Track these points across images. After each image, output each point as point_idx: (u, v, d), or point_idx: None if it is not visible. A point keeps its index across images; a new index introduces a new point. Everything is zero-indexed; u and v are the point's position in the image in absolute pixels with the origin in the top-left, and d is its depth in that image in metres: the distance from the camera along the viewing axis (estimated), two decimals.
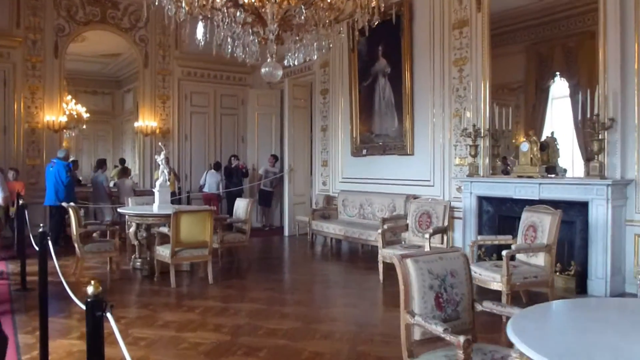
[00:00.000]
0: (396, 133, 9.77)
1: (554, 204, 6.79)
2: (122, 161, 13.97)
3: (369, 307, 6.20)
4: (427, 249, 6.68)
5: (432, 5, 8.90)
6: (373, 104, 10.25)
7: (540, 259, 5.64)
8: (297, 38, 5.05)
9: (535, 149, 7.19)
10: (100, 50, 14.41)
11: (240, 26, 4.62)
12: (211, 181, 12.05)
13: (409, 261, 3.22)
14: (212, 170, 12.22)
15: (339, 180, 11.25)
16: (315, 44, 5.31)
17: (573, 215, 6.74)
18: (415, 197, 9.13)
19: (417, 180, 9.31)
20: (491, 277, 5.53)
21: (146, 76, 12.38)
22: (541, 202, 6.98)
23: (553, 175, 7.22)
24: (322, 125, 11.81)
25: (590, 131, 6.58)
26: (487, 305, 3.35)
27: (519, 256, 6.02)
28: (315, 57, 5.43)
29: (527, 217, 6.03)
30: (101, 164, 11.88)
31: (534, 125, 7.82)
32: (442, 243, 7.20)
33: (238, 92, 13.55)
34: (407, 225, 7.64)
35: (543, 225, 5.73)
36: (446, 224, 7.23)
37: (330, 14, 5.03)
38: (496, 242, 6.49)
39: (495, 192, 7.67)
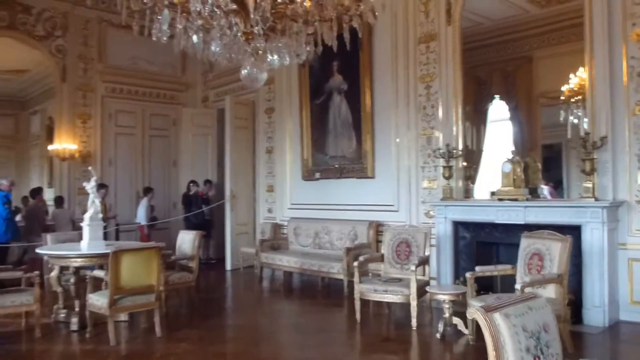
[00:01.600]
0: (354, 154, 9.02)
1: (541, 228, 6.29)
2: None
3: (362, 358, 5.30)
4: (412, 283, 5.91)
5: (395, 18, 8.30)
6: (327, 123, 9.47)
7: (550, 291, 5.00)
8: (282, 35, 4.11)
9: (518, 169, 6.68)
10: (3, 65, 12.61)
11: (217, 14, 3.64)
12: (140, 210, 10.64)
13: (498, 316, 2.36)
14: (143, 197, 10.83)
15: (288, 206, 10.30)
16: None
17: None
18: (379, 224, 8.41)
19: (380, 205, 8.57)
20: None
21: (64, 92, 10.82)
22: (526, 226, 6.46)
23: (541, 197, 6.74)
24: (267, 147, 10.85)
25: (581, 150, 6.13)
26: None
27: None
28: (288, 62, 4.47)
29: (529, 244, 5.41)
30: (35, 193, 10.24)
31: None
32: (423, 274, 6.45)
33: (170, 112, 12.26)
34: (381, 255, 6.82)
35: (551, 253, 5.12)
36: (427, 253, 6.50)
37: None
38: (489, 274, 5.80)
39: (473, 216, 7.07)
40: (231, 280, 9.63)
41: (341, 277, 7.93)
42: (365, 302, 6.36)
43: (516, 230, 6.67)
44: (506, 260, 7.22)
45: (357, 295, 6.26)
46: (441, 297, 5.67)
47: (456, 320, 5.67)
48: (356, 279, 6.26)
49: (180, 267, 7.24)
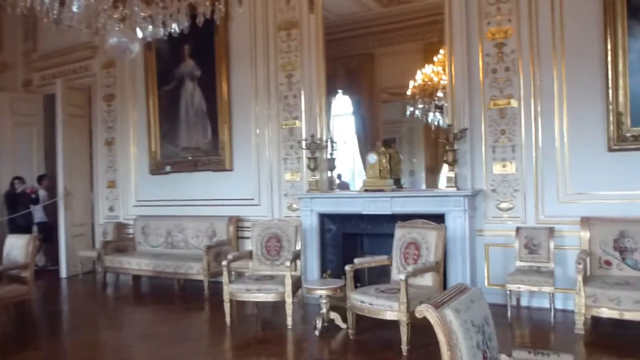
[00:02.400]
0: (210, 146, 8.43)
1: (407, 218, 6.41)
2: None
3: None
4: (288, 279, 5.61)
5: (254, 2, 7.90)
6: (178, 112, 8.73)
7: (427, 279, 5.05)
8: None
9: (384, 160, 6.72)
10: None
11: None
12: None
13: (449, 313, 2.16)
14: None
15: (133, 204, 9.34)
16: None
17: None
18: (240, 219, 7.98)
19: (239, 199, 8.14)
20: (387, 306, 4.72)
21: None
22: (393, 216, 6.55)
23: (405, 188, 6.87)
24: (106, 139, 9.72)
25: (443, 141, 6.34)
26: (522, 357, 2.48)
27: (396, 277, 5.38)
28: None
29: (404, 233, 5.43)
30: None
31: None
32: (295, 270, 6.18)
33: None
34: (250, 252, 6.40)
35: (428, 242, 5.18)
36: (299, 247, 6.24)
37: None
38: (367, 265, 5.73)
39: (340, 208, 6.97)
40: (70, 289, 8.42)
41: (201, 277, 7.35)
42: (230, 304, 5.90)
43: (382, 220, 6.77)
44: (370, 251, 7.32)
45: (226, 297, 5.76)
46: (319, 292, 5.44)
47: (333, 315, 5.50)
48: (225, 279, 5.76)
49: (10, 279, 6.05)
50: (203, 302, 7.03)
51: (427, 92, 7.09)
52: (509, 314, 5.66)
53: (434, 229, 5.19)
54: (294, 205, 7.62)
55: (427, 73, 7.04)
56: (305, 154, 7.43)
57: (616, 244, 5.52)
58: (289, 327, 5.58)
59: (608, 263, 5.53)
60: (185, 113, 8.67)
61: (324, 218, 7.12)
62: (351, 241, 7.25)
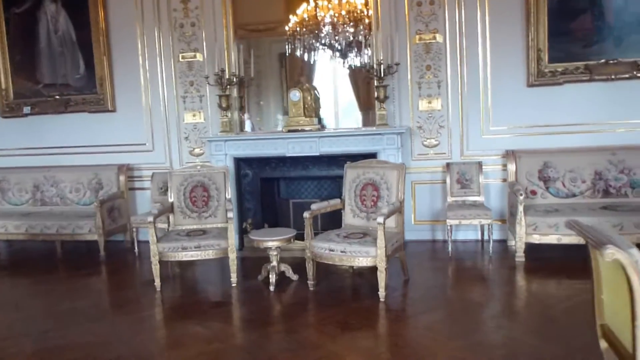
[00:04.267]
0: (83, 83, 7.07)
1: (335, 158, 6.16)
2: None
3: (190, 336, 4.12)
4: (230, 232, 4.98)
5: None
6: (37, 41, 7.11)
7: (391, 221, 4.81)
8: None
9: (309, 98, 6.24)
10: None
11: None
12: None
13: (635, 252, 1.90)
14: None
15: None
16: None
17: None
18: (129, 168, 6.93)
19: (126, 145, 7.04)
20: (363, 252, 4.42)
21: None
22: (321, 157, 6.21)
23: (332, 128, 6.48)
24: None
25: (374, 77, 6.05)
26: None
27: (351, 222, 5.10)
28: None
29: (357, 174, 5.11)
30: None
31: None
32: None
33: None
34: (171, 205, 5.51)
35: (388, 182, 4.94)
36: (229, 195, 5.55)
37: None
38: (323, 211, 5.25)
39: (259, 151, 6.36)
40: None
41: (94, 237, 6.26)
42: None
43: (307, 163, 6.36)
44: (289, 195, 6.91)
45: (154, 258, 4.91)
46: (270, 243, 4.92)
47: (284, 266, 5.05)
48: (152, 237, 4.88)
49: None
50: (101, 265, 6.03)
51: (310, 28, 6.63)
52: (449, 248, 5.75)
53: (393, 169, 4.94)
54: (197, 150, 6.81)
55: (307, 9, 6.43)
56: (210, 91, 6.61)
57: (540, 174, 5.87)
58: (234, 284, 5.00)
59: (533, 193, 5.87)
60: (47, 42, 7.10)
61: (240, 162, 6.47)
62: (268, 187, 6.74)
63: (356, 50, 6.45)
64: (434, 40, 6.21)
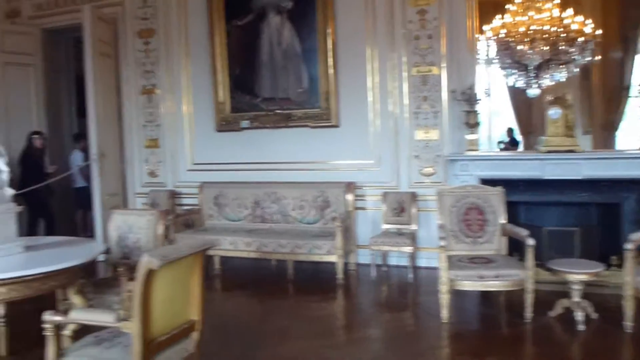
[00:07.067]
0: (304, 96, 6.87)
1: (597, 183, 5.57)
2: None
3: None
4: (529, 262, 4.49)
5: None
6: (258, 54, 7.00)
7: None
8: None
9: (570, 116, 5.70)
10: None
11: None
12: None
13: None
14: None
15: (187, 167, 7.53)
16: None
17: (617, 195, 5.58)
18: (355, 186, 6.63)
19: (350, 161, 6.74)
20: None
21: None
22: (582, 182, 5.63)
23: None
24: (144, 86, 7.68)
25: None
26: None
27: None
28: None
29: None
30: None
31: None
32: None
33: None
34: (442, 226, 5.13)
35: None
36: (503, 220, 5.06)
37: None
38: None
39: (507, 172, 5.87)
40: None
41: (331, 259, 5.97)
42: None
43: (563, 186, 5.80)
44: (527, 220, 6.35)
45: (444, 287, 4.52)
46: (577, 277, 4.41)
47: (584, 303, 4.52)
48: (443, 263, 4.50)
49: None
50: (333, 291, 5.72)
51: None
52: None
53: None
54: (428, 169, 6.41)
55: None
56: (447, 107, 6.22)
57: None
58: (527, 320, 4.51)
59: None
60: (269, 55, 6.96)
61: (486, 184, 6.00)
62: (510, 211, 6.22)
63: None
64: None
